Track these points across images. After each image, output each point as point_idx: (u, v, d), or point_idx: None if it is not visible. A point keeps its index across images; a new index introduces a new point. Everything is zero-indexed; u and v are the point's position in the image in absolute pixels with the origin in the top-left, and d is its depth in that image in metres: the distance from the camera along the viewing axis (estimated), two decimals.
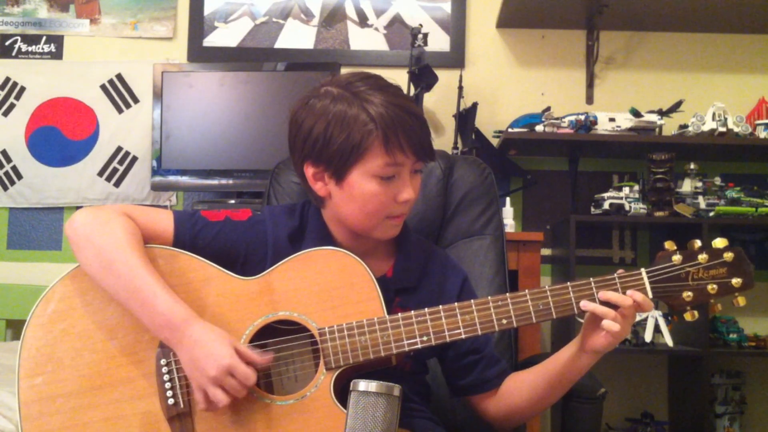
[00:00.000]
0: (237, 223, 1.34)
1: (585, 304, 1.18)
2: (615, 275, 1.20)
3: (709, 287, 1.18)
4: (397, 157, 1.23)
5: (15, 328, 2.79)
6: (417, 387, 1.40)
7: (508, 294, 1.21)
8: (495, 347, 1.43)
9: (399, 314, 1.21)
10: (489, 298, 1.22)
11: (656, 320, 2.51)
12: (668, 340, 2.49)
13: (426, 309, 1.21)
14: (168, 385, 1.20)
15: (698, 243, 1.20)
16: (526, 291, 1.21)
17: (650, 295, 1.19)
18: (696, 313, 1.20)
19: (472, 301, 1.22)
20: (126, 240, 1.21)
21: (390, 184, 1.25)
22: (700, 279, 1.19)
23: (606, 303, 1.18)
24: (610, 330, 1.16)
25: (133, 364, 1.21)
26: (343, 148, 1.22)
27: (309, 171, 1.29)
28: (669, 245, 1.21)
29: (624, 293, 1.18)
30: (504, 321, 1.20)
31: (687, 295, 1.18)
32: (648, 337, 2.51)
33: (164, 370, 1.21)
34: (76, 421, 1.19)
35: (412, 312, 1.21)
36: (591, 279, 1.20)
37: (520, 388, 1.34)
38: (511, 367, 1.43)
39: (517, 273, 2.33)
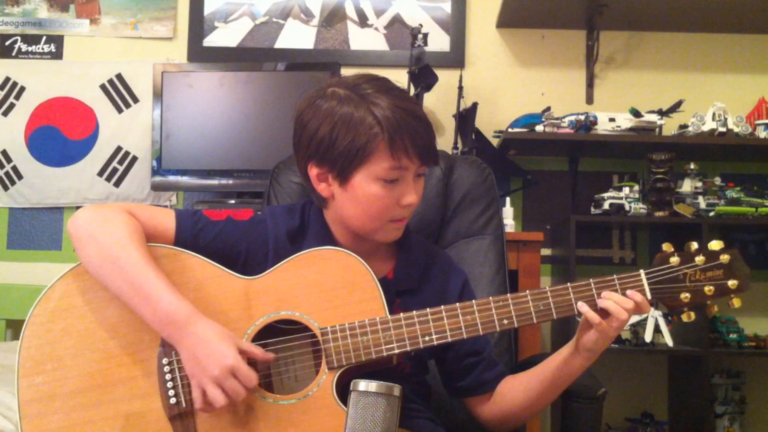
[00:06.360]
0: (239, 222, 1.34)
1: (581, 306, 1.21)
2: (614, 276, 1.22)
3: (706, 289, 1.20)
4: (402, 161, 1.23)
5: (15, 328, 2.79)
6: (417, 387, 1.40)
7: (509, 294, 1.23)
8: (495, 348, 1.44)
9: (401, 314, 1.21)
10: (491, 298, 1.22)
11: (656, 320, 2.51)
12: (668, 340, 2.50)
13: (428, 309, 1.22)
14: (170, 384, 1.20)
15: (695, 245, 1.22)
16: (527, 291, 1.22)
17: (649, 296, 1.21)
18: (693, 314, 1.22)
19: (473, 301, 1.22)
20: (129, 237, 1.21)
21: (394, 188, 1.25)
22: (697, 281, 1.20)
23: (604, 309, 1.20)
24: (605, 333, 1.19)
25: (134, 363, 1.21)
26: (348, 150, 1.22)
27: (313, 171, 1.29)
28: (667, 247, 1.23)
29: (624, 294, 1.20)
30: (505, 321, 1.21)
31: (684, 296, 1.20)
32: (648, 337, 2.51)
33: (166, 369, 1.20)
34: (76, 420, 1.19)
35: (414, 312, 1.22)
36: (591, 280, 1.22)
37: (513, 390, 1.35)
38: (510, 369, 1.43)
39: (517, 273, 2.33)
